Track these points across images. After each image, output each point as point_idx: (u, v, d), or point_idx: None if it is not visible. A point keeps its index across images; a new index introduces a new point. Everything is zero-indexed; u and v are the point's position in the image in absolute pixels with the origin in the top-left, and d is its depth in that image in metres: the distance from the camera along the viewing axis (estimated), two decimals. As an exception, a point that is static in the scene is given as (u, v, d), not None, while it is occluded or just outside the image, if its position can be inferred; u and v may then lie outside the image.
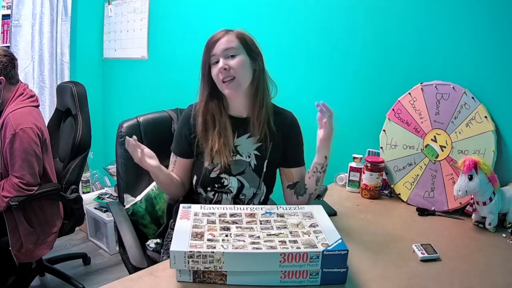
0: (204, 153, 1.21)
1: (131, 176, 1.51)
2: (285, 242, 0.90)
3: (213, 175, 1.21)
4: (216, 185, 1.22)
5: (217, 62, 1.15)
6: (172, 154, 1.29)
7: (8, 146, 1.63)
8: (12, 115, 1.66)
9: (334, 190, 1.63)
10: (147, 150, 1.14)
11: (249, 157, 1.23)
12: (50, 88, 2.84)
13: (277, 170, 1.31)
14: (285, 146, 1.26)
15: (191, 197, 1.29)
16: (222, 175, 1.21)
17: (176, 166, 1.27)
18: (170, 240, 0.97)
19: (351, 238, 1.14)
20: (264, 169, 1.24)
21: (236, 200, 1.24)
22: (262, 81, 1.21)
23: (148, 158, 1.13)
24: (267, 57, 1.24)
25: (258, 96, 1.20)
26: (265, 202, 1.30)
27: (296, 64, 1.93)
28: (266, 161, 1.24)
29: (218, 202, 1.23)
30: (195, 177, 1.25)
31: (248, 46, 1.18)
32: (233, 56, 1.14)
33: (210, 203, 1.24)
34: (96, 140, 2.28)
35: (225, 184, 1.22)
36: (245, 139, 1.23)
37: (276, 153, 1.25)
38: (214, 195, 1.24)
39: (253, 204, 1.25)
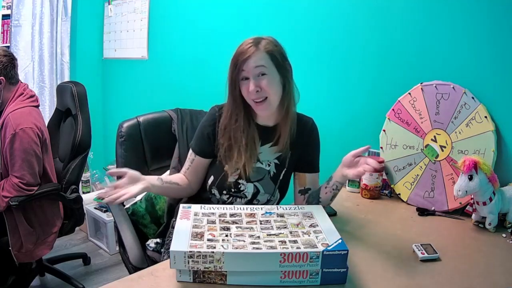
0: (224, 159, 1.20)
1: (131, 176, 1.50)
2: (285, 242, 0.90)
3: (231, 179, 1.21)
4: (233, 189, 1.22)
5: (247, 78, 1.12)
6: (190, 151, 1.27)
7: (8, 146, 1.63)
8: (12, 115, 1.66)
9: (334, 190, 1.63)
10: (130, 172, 1.08)
11: (269, 165, 1.23)
12: (50, 88, 2.84)
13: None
14: (302, 152, 1.26)
15: (201, 195, 1.29)
16: (240, 181, 1.21)
17: (193, 165, 1.25)
18: (171, 240, 0.97)
19: (351, 238, 1.14)
20: (281, 177, 1.24)
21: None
22: (290, 93, 1.19)
23: (132, 184, 1.06)
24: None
25: (286, 108, 1.18)
26: None
27: (296, 64, 1.92)
28: (285, 169, 1.24)
29: (231, 203, 1.23)
30: (211, 178, 1.24)
31: (278, 61, 1.14)
32: (263, 75, 1.11)
33: (223, 202, 1.24)
34: (96, 140, 2.28)
35: (241, 189, 1.22)
36: (268, 147, 1.23)
37: (295, 161, 1.25)
38: (228, 198, 1.24)
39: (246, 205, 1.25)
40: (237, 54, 1.13)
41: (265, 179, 1.23)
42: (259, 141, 1.22)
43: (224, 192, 1.23)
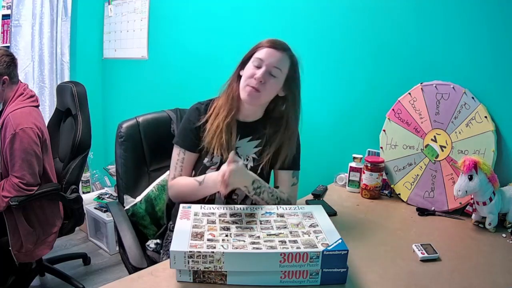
0: (204, 147, 1.21)
1: (131, 176, 1.50)
2: (285, 242, 0.90)
3: (209, 172, 1.21)
4: None
5: (259, 67, 1.15)
6: (177, 150, 1.26)
7: (8, 146, 1.63)
8: (12, 115, 1.66)
9: (334, 190, 1.63)
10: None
11: (247, 160, 1.24)
12: (50, 88, 2.84)
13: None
14: (278, 149, 1.26)
15: None
16: None
17: (185, 163, 1.24)
18: (169, 242, 0.97)
19: (351, 238, 1.13)
20: (258, 171, 1.24)
21: (229, 200, 1.23)
22: (293, 105, 1.22)
23: None
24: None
25: (286, 119, 1.22)
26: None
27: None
28: (262, 164, 1.24)
29: (211, 200, 1.23)
30: (192, 172, 1.26)
31: (292, 73, 1.20)
32: (274, 77, 1.16)
33: (203, 199, 1.23)
34: (96, 140, 2.28)
35: None
36: (246, 142, 1.24)
37: (273, 157, 1.25)
38: None
39: (245, 205, 1.25)
40: (269, 41, 1.18)
41: None
42: (237, 135, 1.23)
43: None
